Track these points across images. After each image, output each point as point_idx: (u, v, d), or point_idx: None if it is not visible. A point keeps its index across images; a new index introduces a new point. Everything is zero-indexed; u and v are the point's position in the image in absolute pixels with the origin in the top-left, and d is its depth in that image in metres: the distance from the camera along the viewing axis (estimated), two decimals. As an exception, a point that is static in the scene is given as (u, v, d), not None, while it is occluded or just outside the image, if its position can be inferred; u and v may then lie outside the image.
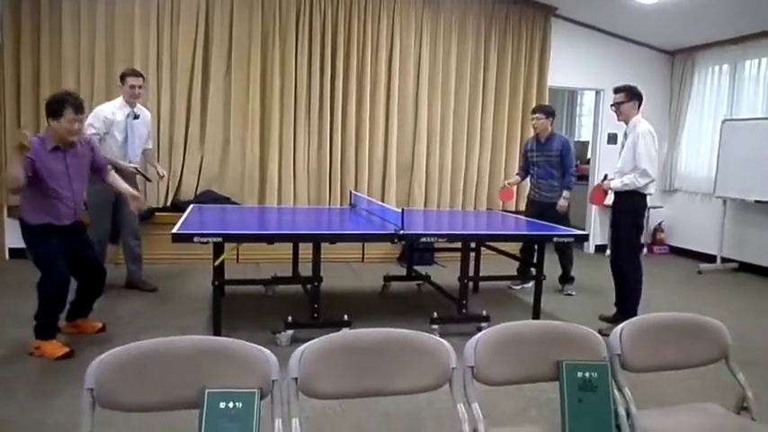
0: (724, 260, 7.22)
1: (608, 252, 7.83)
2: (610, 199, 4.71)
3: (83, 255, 3.74)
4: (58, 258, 3.52)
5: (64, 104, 3.39)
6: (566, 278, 5.72)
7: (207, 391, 1.55)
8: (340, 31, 6.78)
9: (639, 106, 4.47)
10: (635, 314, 4.41)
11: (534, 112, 5.68)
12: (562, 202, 5.42)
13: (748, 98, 7.18)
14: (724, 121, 7.16)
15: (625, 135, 4.56)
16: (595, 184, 4.94)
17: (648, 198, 4.52)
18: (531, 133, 7.31)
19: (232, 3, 6.46)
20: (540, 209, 5.49)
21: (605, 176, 4.87)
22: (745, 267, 7.07)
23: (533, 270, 4.72)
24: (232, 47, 6.52)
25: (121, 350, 1.60)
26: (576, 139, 11.20)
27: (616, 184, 4.46)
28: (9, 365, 3.40)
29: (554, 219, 5.22)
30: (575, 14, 7.57)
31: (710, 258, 7.33)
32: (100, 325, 4.01)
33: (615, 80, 7.77)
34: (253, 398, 1.55)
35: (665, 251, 8.27)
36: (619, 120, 4.57)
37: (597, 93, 8.13)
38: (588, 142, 9.32)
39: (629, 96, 4.45)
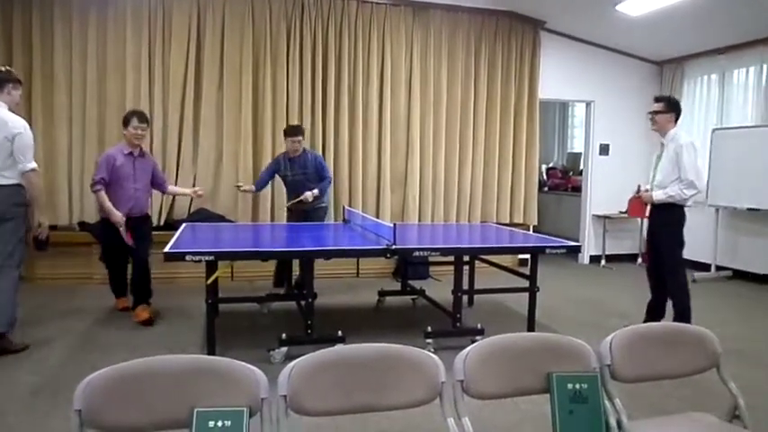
0: (718, 268, 7.24)
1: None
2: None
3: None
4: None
5: (132, 116, 4.70)
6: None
7: (196, 410, 1.56)
8: (331, 47, 6.82)
9: (677, 120, 4.43)
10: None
11: (291, 134, 5.59)
12: (308, 195, 5.53)
13: (737, 107, 7.25)
14: (714, 130, 7.21)
15: (661, 146, 4.49)
16: (631, 196, 4.85)
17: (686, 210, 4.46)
18: (522, 143, 7.54)
19: (223, 19, 6.50)
20: (307, 214, 5.71)
21: (638, 188, 4.77)
22: (739, 275, 7.10)
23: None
24: (224, 63, 6.54)
25: (110, 370, 1.59)
26: (568, 151, 11.29)
27: (659, 196, 4.37)
28: (1, 387, 3.39)
29: (321, 220, 5.85)
30: (563, 27, 7.65)
31: (705, 267, 7.34)
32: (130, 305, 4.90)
33: (605, 91, 8.00)
34: (241, 416, 1.55)
35: (659, 260, 8.25)
36: (652, 129, 4.55)
37: (588, 104, 8.19)
38: (581, 154, 9.38)
39: (668, 108, 4.40)
